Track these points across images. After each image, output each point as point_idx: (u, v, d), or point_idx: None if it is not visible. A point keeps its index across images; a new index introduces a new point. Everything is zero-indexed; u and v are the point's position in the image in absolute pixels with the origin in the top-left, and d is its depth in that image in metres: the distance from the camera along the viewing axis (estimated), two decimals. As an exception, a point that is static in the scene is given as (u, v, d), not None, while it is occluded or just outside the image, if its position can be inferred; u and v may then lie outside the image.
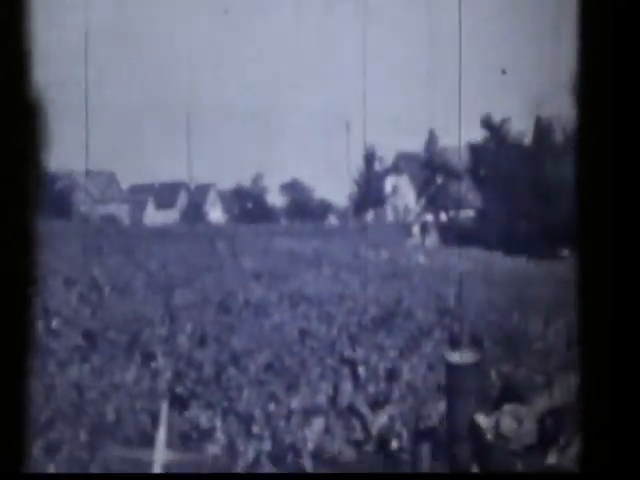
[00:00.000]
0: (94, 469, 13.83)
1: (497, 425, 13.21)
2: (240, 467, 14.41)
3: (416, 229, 44.11)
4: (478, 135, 44.43)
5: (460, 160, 43.40)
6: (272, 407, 16.59)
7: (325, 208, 51.17)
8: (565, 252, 36.14)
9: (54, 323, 20.18)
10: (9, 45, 3.87)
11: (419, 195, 47.67)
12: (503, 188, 40.75)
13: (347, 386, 17.82)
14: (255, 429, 15.68)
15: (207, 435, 15.68)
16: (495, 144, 43.83)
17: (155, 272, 27.71)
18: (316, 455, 15.41)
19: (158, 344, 19.64)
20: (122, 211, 48.13)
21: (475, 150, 43.99)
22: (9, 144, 3.84)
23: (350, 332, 21.16)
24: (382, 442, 16.08)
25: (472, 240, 38.25)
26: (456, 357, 13.89)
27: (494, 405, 13.82)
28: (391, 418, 16.58)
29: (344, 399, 17.29)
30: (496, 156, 42.79)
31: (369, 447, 16.14)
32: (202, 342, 20.10)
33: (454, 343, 20.42)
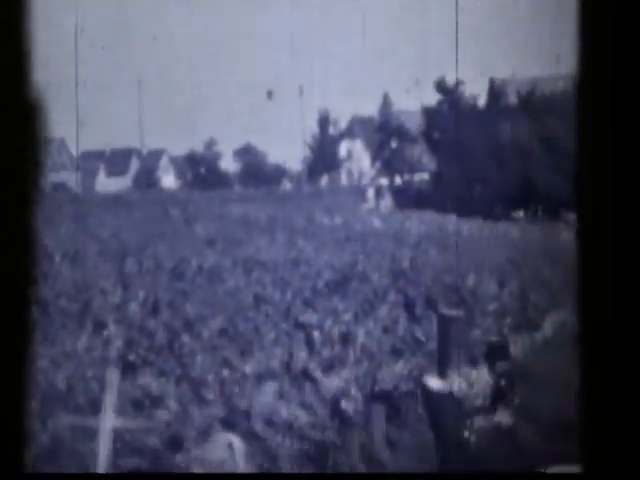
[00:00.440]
0: (44, 438, 13.69)
1: (448, 387, 13.21)
2: (191, 434, 14.34)
3: (371, 193, 44.04)
4: (433, 99, 44.41)
5: (415, 123, 43.42)
6: (225, 373, 16.50)
7: (279, 173, 50.94)
8: (519, 214, 36.36)
9: (4, 292, 19.91)
10: (9, 45, 3.84)
11: (374, 159, 47.63)
12: (457, 151, 40.80)
13: (301, 351, 17.76)
14: (208, 395, 15.60)
15: (159, 401, 15.57)
16: (448, 107, 43.84)
17: (107, 239, 27.47)
18: (269, 420, 15.37)
19: (110, 312, 19.44)
20: (73, 178, 47.62)
21: (429, 113, 43.98)
22: (9, 144, 3.82)
23: (304, 297, 21.09)
24: (336, 406, 16.05)
25: (427, 203, 38.32)
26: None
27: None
28: (346, 382, 16.56)
29: (298, 364, 17.23)
30: (450, 119, 42.81)
31: (323, 411, 16.10)
32: (155, 309, 19.94)
33: (409, 306, 20.42)
